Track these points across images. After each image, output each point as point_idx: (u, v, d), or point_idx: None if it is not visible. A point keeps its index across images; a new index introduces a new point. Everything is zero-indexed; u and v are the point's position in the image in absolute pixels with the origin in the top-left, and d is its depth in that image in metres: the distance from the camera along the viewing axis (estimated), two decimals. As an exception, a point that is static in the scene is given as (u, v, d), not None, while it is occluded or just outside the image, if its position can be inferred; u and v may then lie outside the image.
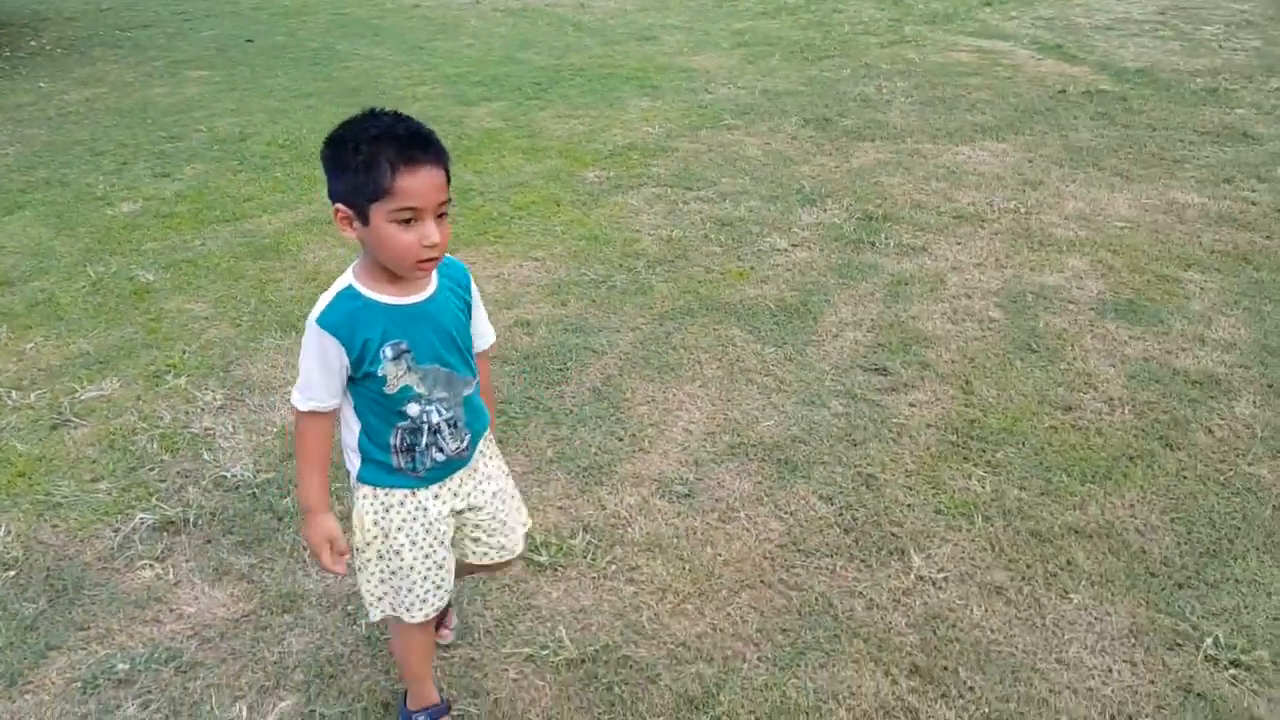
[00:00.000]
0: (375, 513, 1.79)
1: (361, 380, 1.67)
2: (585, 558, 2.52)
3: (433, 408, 1.72)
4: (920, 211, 4.77)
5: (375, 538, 1.79)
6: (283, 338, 3.71)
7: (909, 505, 2.70)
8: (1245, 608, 2.31)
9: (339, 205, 1.59)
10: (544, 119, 6.57)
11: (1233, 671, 2.14)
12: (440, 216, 1.58)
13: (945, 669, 2.16)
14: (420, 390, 1.70)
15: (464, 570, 2.02)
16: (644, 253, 4.39)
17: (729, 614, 2.33)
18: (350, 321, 1.62)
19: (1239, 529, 2.58)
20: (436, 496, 1.80)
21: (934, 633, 2.26)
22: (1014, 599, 2.37)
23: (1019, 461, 2.88)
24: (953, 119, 6.30)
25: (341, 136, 1.57)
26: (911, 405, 3.17)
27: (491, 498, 1.89)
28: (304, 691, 2.15)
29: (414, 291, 1.68)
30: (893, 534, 2.59)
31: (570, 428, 3.08)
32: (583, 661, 2.21)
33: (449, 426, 1.75)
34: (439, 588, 1.85)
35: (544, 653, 2.23)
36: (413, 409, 1.70)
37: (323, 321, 1.62)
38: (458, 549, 1.91)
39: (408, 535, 1.79)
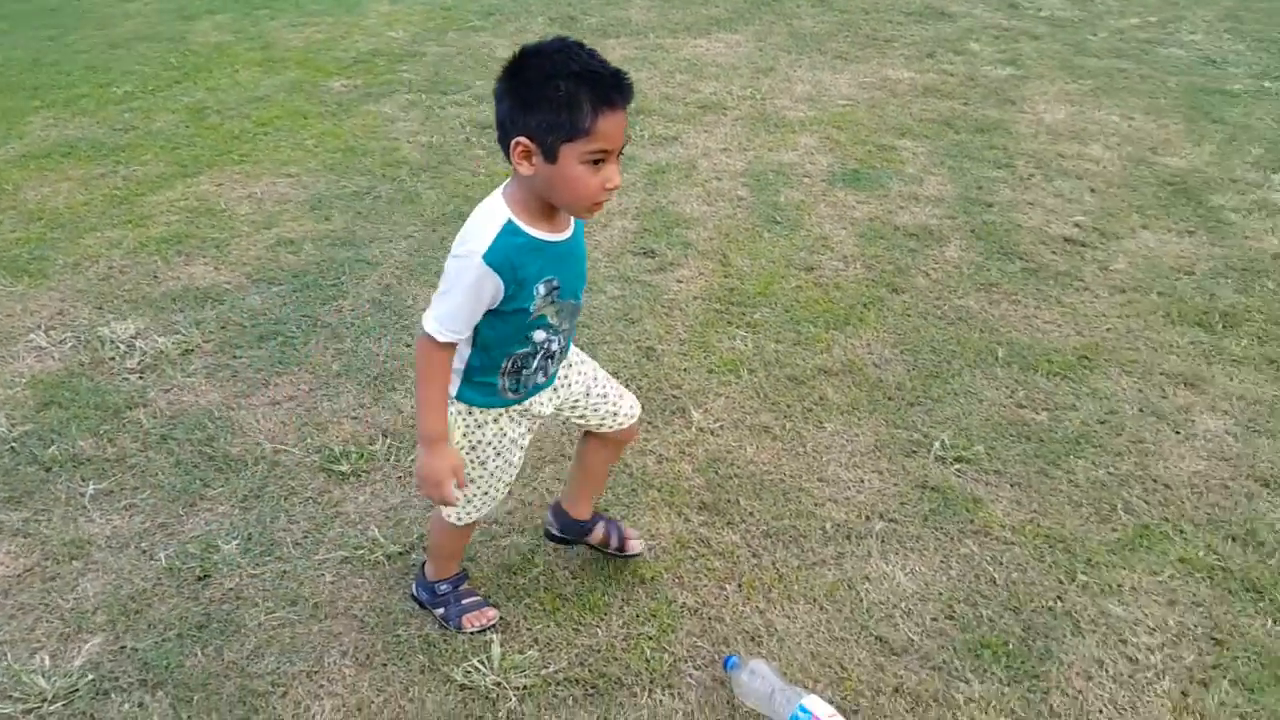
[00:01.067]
0: (466, 427, 1.84)
1: (507, 313, 1.67)
2: (388, 460, 2.58)
3: (556, 337, 1.78)
4: (669, 104, 4.98)
5: (462, 449, 1.85)
6: (13, 283, 3.41)
7: (685, 369, 2.95)
8: (963, 414, 2.74)
9: (522, 139, 1.53)
10: (276, 29, 6.20)
11: (957, 466, 2.55)
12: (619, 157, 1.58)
13: (728, 501, 2.44)
14: (553, 321, 1.74)
15: (603, 444, 2.09)
16: (405, 160, 4.34)
17: (535, 488, 2.49)
18: (513, 258, 1.60)
19: (955, 352, 3.02)
20: (525, 411, 1.87)
21: (716, 473, 2.53)
22: (779, 435, 2.68)
23: (773, 319, 3.19)
24: (689, 13, 6.53)
25: (539, 69, 1.51)
26: (679, 281, 3.41)
27: (582, 383, 1.96)
28: (109, 630, 2.10)
29: (564, 228, 1.68)
30: (674, 396, 2.83)
31: (354, 340, 3.08)
32: (401, 554, 2.29)
33: (561, 353, 1.84)
34: (507, 486, 1.98)
35: (359, 552, 2.29)
36: (539, 336, 1.74)
37: (489, 259, 1.58)
38: (583, 425, 2.04)
39: (494, 448, 1.88)
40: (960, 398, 2.81)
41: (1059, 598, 2.16)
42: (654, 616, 2.11)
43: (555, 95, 1.49)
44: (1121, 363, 2.97)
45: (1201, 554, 2.26)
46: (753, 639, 2.06)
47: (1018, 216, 3.84)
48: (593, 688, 1.96)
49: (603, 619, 2.11)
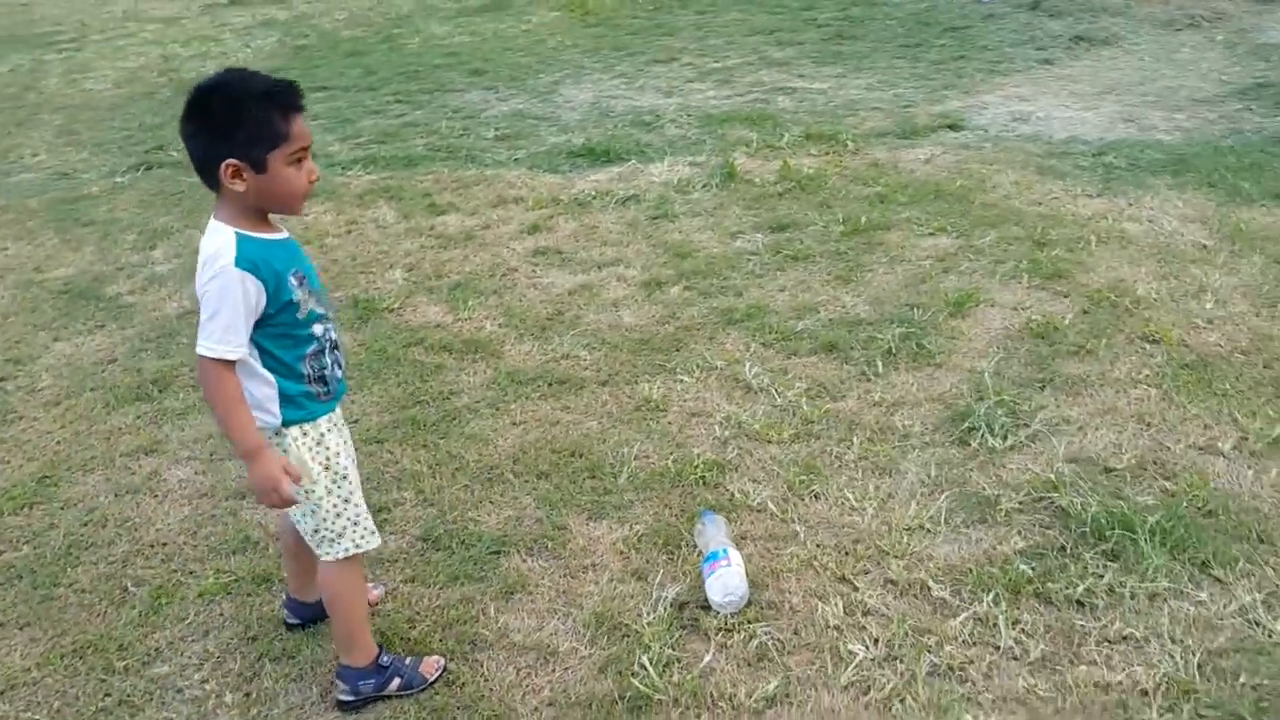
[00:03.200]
0: (311, 448, 1.93)
1: (277, 313, 1.81)
2: None
3: (330, 325, 1.94)
4: None
5: (320, 471, 1.94)
6: None
7: None
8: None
9: (231, 161, 1.73)
10: None
11: (-48, 649, 2.33)
12: None
13: None
14: (321, 310, 1.90)
15: None
16: None
17: None
18: (259, 260, 1.77)
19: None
20: (338, 420, 2.00)
21: None
22: None
23: None
24: None
25: (223, 100, 1.73)
26: None
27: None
28: None
29: (279, 230, 1.89)
30: None
31: None
32: None
33: (338, 343, 1.99)
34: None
35: None
36: (318, 329, 1.90)
37: (240, 264, 1.74)
38: None
39: (347, 456, 2.00)
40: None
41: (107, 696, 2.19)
42: None
43: (250, 115, 1.72)
44: (83, 464, 3.04)
45: (213, 579, 2.52)
46: None
47: None
48: None
49: None
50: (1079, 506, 2.49)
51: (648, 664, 2.13)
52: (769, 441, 2.90)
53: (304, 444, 1.92)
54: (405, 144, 6.03)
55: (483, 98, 7.03)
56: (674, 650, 2.18)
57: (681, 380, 3.26)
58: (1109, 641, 2.12)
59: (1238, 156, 4.77)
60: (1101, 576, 2.29)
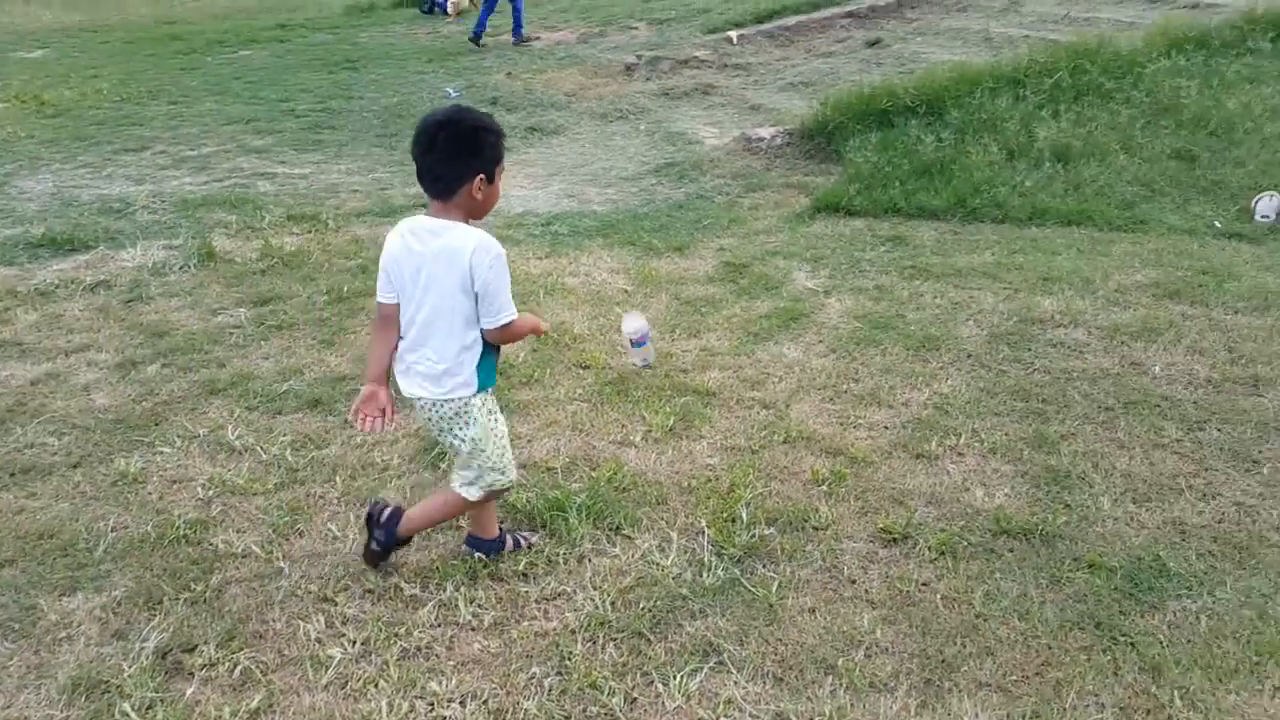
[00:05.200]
0: (491, 407, 2.54)
1: None
2: None
3: None
4: None
5: (496, 420, 2.55)
6: None
7: None
8: None
9: (480, 174, 2.32)
10: None
11: None
12: None
13: None
14: None
15: None
16: None
17: None
18: None
19: None
20: None
21: None
22: None
23: None
24: None
25: (488, 129, 2.34)
26: None
27: None
28: None
29: None
30: None
31: None
32: None
33: None
34: None
35: None
36: None
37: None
38: None
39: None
40: None
41: None
42: None
43: (490, 140, 2.34)
44: None
45: None
46: None
47: None
48: None
49: None
50: (524, 500, 3.01)
51: (129, 710, 2.18)
52: (254, 494, 3.06)
53: (486, 401, 2.52)
54: None
55: (-93, 188, 6.19)
56: (156, 693, 2.25)
57: (161, 452, 3.28)
58: (546, 599, 2.63)
59: (651, 220, 5.93)
60: (542, 550, 2.81)
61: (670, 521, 2.96)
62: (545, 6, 14.17)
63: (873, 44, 9.97)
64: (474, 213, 2.39)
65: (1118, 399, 3.47)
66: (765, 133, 7.23)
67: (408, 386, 2.49)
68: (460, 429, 2.48)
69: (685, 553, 2.79)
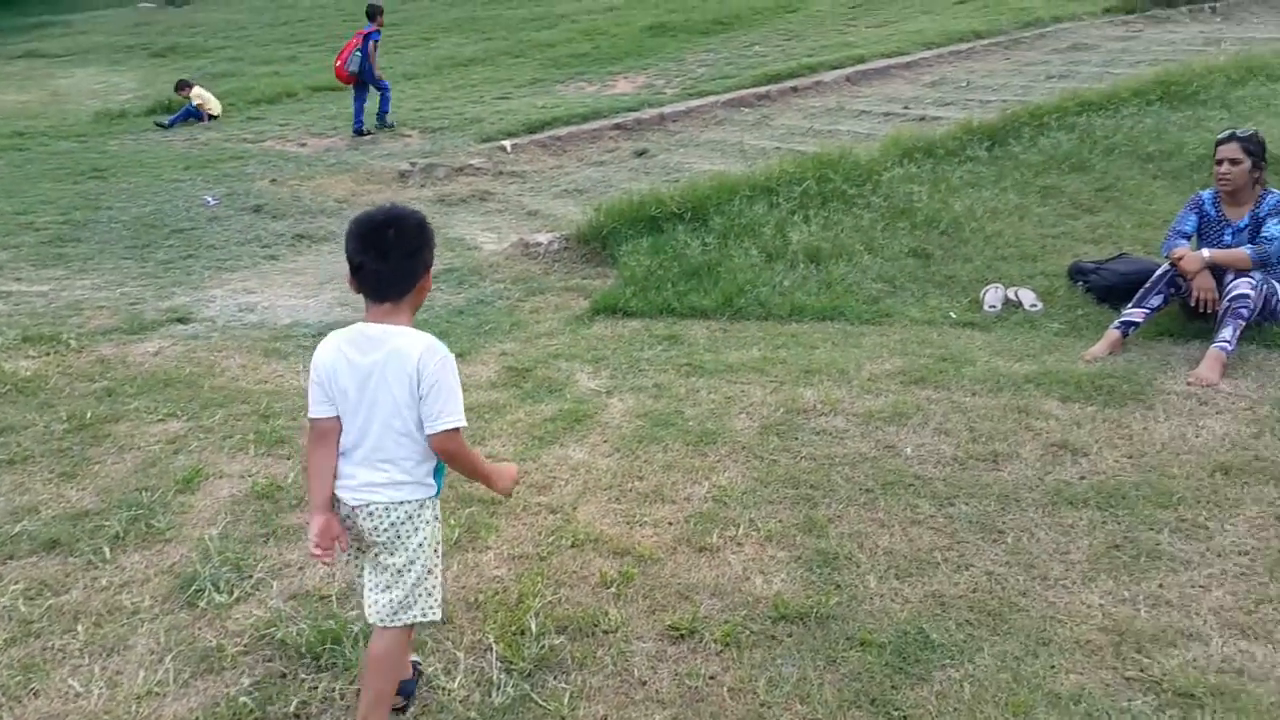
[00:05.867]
0: (438, 510, 2.41)
1: None
2: None
3: None
4: None
5: (438, 543, 2.41)
6: None
7: None
8: None
9: (428, 266, 2.32)
10: None
11: None
12: None
13: None
14: None
15: None
16: None
17: None
18: None
19: None
20: None
21: None
22: None
23: None
24: None
25: (411, 225, 2.27)
26: None
27: None
28: None
29: None
30: None
31: None
32: None
33: None
34: None
35: None
36: None
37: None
38: None
39: None
40: None
41: None
42: None
43: (428, 238, 2.32)
44: None
45: None
46: None
47: None
48: None
49: None
50: (295, 634, 2.81)
51: None
52: (-26, 656, 2.68)
53: (437, 513, 2.41)
54: None
55: None
56: None
57: None
58: (323, 739, 2.45)
59: (431, 327, 5.60)
60: (316, 688, 2.62)
61: (456, 641, 2.85)
62: (313, 113, 13.96)
63: (640, 154, 10.51)
64: (417, 306, 2.38)
65: (876, 480, 3.71)
66: (543, 238, 7.39)
67: (355, 497, 2.30)
68: (409, 535, 2.32)
69: (472, 673, 2.69)
